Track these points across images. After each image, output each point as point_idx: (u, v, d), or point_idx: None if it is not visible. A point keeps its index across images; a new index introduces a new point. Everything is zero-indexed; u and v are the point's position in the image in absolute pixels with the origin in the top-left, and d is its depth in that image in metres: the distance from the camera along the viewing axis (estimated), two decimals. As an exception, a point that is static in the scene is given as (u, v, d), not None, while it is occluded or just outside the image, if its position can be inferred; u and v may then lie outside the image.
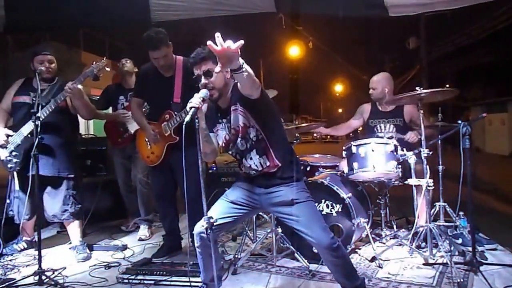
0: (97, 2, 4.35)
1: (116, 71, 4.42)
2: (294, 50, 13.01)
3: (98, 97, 4.50)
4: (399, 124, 3.79)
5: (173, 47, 3.31)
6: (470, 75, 15.52)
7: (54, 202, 3.45)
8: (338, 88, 36.47)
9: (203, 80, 2.22)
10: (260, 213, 4.13)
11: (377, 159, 3.17)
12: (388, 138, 3.67)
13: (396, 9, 4.00)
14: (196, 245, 2.35)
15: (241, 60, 1.87)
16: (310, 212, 2.32)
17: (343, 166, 3.55)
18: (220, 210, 2.36)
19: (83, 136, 4.97)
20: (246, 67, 1.92)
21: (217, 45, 1.76)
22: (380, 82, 3.82)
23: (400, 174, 3.25)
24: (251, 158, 2.35)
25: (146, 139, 3.43)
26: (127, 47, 4.23)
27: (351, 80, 29.62)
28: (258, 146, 2.31)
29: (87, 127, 8.61)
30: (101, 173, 4.70)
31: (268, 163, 2.32)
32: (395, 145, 3.22)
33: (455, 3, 3.88)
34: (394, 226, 3.85)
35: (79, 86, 3.38)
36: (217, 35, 1.74)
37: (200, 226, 2.16)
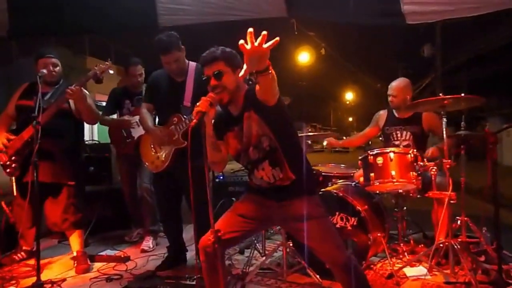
0: (103, 7, 4.26)
1: (122, 76, 4.28)
2: (305, 57, 12.83)
3: (104, 103, 4.37)
4: (416, 132, 3.60)
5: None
6: (486, 84, 15.22)
7: (54, 210, 3.31)
8: (349, 96, 36.21)
9: (213, 82, 2.07)
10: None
11: (395, 169, 2.98)
12: (405, 146, 3.52)
13: (414, 17, 3.81)
14: (201, 259, 2.18)
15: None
16: (325, 228, 2.14)
17: (359, 176, 3.37)
18: (227, 223, 2.19)
19: (86, 142, 4.84)
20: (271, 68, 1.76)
21: (247, 44, 1.59)
22: (401, 90, 3.63)
23: (420, 186, 3.05)
24: (263, 169, 2.17)
25: (151, 144, 3.27)
26: (133, 53, 4.12)
27: (363, 88, 29.42)
28: (272, 156, 2.14)
29: (91, 132, 8.47)
30: (104, 181, 4.57)
31: (281, 175, 2.15)
32: (415, 155, 3.03)
33: (476, 10, 3.70)
34: (411, 241, 3.64)
35: (84, 91, 3.27)
36: (250, 30, 1.57)
37: (207, 240, 1.99)
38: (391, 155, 3.00)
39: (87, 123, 3.53)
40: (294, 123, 2.25)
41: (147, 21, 4.34)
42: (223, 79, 2.06)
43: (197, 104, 1.95)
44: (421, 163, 3.02)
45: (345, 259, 2.07)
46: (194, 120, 1.88)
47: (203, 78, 2.13)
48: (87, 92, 3.40)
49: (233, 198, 4.29)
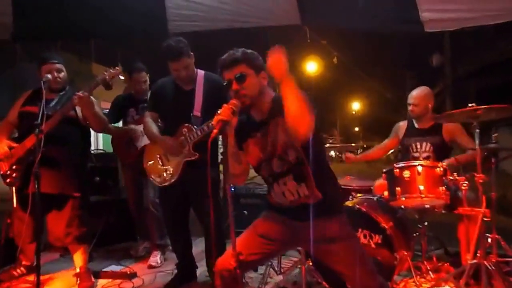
0: (111, 12, 4.12)
1: (127, 82, 4.10)
2: (314, 66, 12.66)
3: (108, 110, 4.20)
4: (437, 143, 3.41)
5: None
6: (495, 94, 14.97)
7: (57, 224, 3.10)
8: (355, 106, 35.91)
9: (235, 86, 1.89)
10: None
11: (424, 184, 2.77)
12: (424, 158, 3.34)
13: (433, 24, 3.68)
14: (216, 283, 1.98)
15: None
16: (355, 251, 1.93)
17: (379, 189, 3.18)
18: (247, 244, 1.98)
19: (92, 152, 4.66)
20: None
21: None
22: (423, 98, 3.45)
23: (449, 201, 2.85)
24: (285, 183, 1.97)
25: (158, 156, 3.07)
26: (140, 60, 3.97)
27: (370, 98, 29.18)
28: (297, 170, 1.94)
29: (96, 141, 8.18)
30: (110, 192, 4.38)
31: (307, 193, 1.94)
32: (444, 169, 2.82)
33: (497, 18, 3.54)
34: (434, 258, 3.42)
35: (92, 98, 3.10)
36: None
37: (227, 264, 1.79)
38: (419, 168, 2.79)
39: (94, 130, 3.35)
40: (322, 135, 2.07)
41: (156, 27, 4.21)
42: (245, 83, 1.89)
43: (218, 111, 1.77)
44: (451, 177, 2.81)
45: (378, 286, 1.86)
46: (215, 130, 1.70)
47: (224, 83, 1.95)
48: (94, 99, 3.24)
49: (245, 211, 4.13)
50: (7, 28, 4.23)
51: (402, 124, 3.71)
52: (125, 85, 4.17)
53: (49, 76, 3.05)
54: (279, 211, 2.05)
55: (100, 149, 5.46)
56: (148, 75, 3.95)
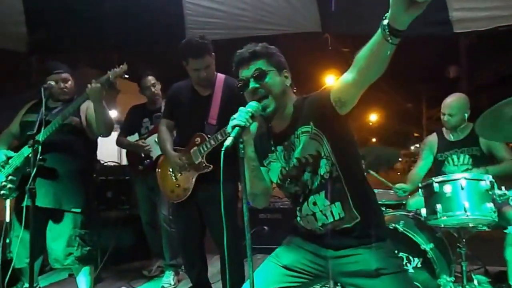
0: (128, 19, 3.99)
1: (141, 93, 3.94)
2: (334, 78, 12.47)
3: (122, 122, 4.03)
4: (475, 154, 3.13)
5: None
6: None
7: (56, 243, 2.80)
8: (373, 117, 35.55)
9: (253, 84, 1.62)
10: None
11: (468, 200, 2.45)
12: (463, 171, 3.07)
13: (462, 25, 3.49)
14: None
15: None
16: (403, 287, 1.62)
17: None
18: (269, 277, 1.70)
19: (104, 164, 4.48)
20: None
21: None
22: (460, 107, 3.16)
23: (496, 219, 2.53)
24: (315, 203, 1.69)
25: (170, 170, 2.84)
26: (151, 66, 3.84)
27: (386, 109, 28.85)
28: (331, 187, 1.65)
29: (119, 154, 7.84)
30: (123, 207, 4.19)
31: (343, 214, 1.65)
32: (491, 182, 2.51)
33: None
34: (476, 281, 3.08)
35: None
36: None
37: None
38: (463, 182, 2.48)
39: (99, 134, 3.05)
40: (357, 145, 1.80)
41: (174, 34, 4.05)
42: (265, 81, 1.63)
43: (233, 116, 1.53)
44: (499, 191, 2.50)
45: None
46: (230, 137, 1.44)
47: (239, 84, 1.69)
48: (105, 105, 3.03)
49: (265, 227, 3.89)
50: (22, 39, 4.12)
51: (432, 139, 3.42)
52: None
53: (52, 83, 2.85)
54: (307, 237, 1.77)
55: (114, 162, 5.24)
56: (154, 80, 3.82)
